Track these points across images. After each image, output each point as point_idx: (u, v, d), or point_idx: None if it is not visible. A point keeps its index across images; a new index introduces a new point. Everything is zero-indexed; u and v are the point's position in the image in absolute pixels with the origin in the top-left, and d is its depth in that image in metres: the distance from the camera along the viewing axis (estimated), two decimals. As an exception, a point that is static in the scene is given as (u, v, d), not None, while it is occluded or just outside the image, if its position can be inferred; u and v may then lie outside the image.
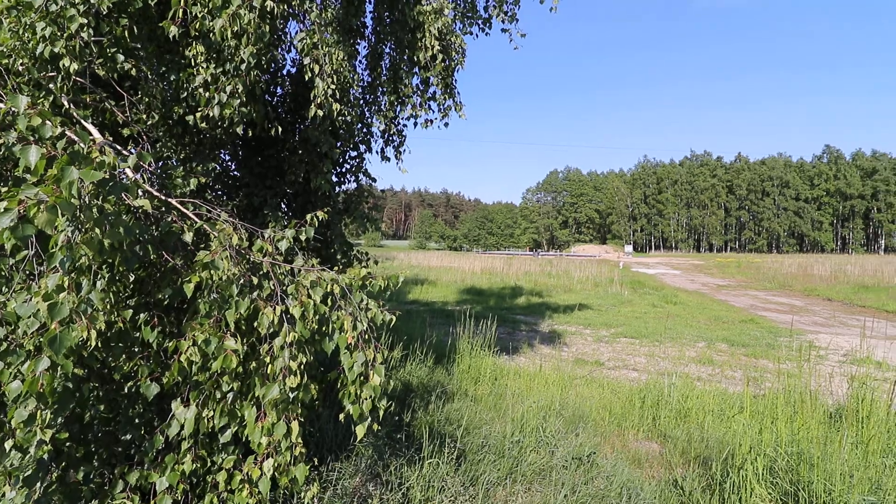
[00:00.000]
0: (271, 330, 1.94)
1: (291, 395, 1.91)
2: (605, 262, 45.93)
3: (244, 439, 1.98)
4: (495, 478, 3.11)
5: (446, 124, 4.14)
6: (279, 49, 3.85)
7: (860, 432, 3.57)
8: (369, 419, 2.00)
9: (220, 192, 4.19)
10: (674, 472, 3.31)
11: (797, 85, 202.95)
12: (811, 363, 7.35)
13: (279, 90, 4.31)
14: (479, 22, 4.78)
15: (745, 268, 34.17)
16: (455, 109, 4.07)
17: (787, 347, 8.47)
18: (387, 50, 4.49)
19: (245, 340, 2.01)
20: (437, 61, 3.63)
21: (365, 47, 4.57)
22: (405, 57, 4.22)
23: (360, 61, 4.52)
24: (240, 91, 2.73)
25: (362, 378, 2.00)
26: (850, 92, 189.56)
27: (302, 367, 1.94)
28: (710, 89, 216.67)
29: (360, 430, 1.98)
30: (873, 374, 6.66)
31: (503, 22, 4.61)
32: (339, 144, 4.06)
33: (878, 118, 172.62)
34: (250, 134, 3.51)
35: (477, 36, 4.87)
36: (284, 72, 4.34)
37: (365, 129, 4.38)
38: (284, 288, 2.05)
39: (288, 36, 3.90)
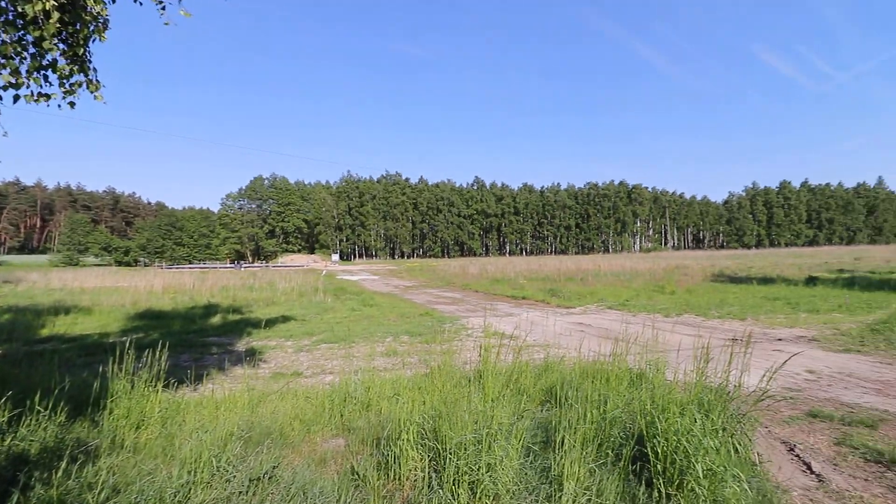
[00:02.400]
0: None
1: None
2: (313, 271, 46.66)
3: None
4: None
5: (72, 104, 3.18)
6: None
7: (483, 385, 4.87)
8: None
9: None
10: (353, 460, 3.61)
11: (457, 123, 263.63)
12: (462, 341, 9.61)
13: None
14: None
15: (426, 270, 41.50)
16: (89, 88, 3.20)
17: (449, 331, 10.76)
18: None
19: None
20: (52, 19, 2.75)
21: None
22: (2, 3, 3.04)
23: None
24: None
25: None
26: (501, 134, 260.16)
27: None
28: (401, 114, 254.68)
29: None
30: (495, 342, 9.30)
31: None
32: None
33: (486, 158, 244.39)
34: None
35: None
36: None
37: None
38: None
39: None
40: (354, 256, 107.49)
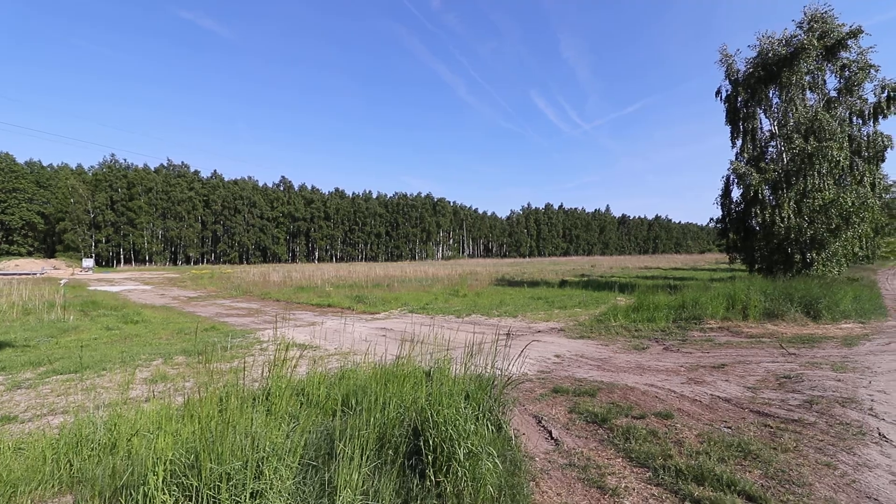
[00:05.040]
0: None
1: None
2: (50, 280, 36.00)
3: None
4: None
5: None
6: None
7: (273, 404, 4.46)
8: None
9: None
10: (79, 523, 2.83)
11: (263, 121, 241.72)
12: (254, 356, 8.72)
13: None
14: None
15: (217, 278, 36.55)
16: None
17: (239, 346, 9.64)
18: None
19: None
20: None
21: None
22: None
23: None
24: None
25: None
26: (310, 136, 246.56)
27: None
28: (189, 100, 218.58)
29: None
30: (293, 354, 8.74)
31: None
32: None
33: (318, 160, 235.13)
34: None
35: None
36: None
37: None
38: None
39: None
40: (118, 262, 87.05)
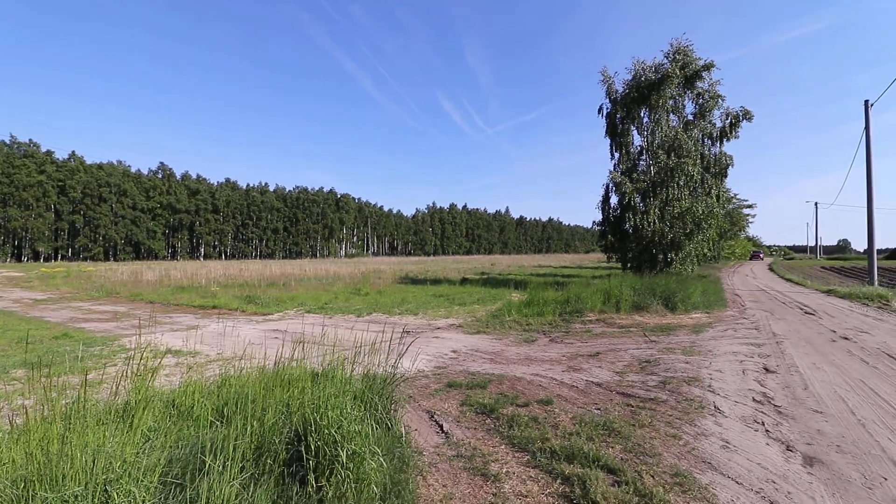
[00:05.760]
0: None
1: None
2: None
3: None
4: None
5: None
6: None
7: (135, 418, 3.93)
8: None
9: None
10: None
11: (135, 99, 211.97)
12: (117, 366, 7.63)
13: None
14: None
15: (74, 278, 31.39)
16: None
17: (98, 356, 8.38)
18: None
19: None
20: None
21: None
22: None
23: None
24: None
25: None
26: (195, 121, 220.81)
27: None
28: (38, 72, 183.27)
29: None
30: (168, 362, 7.83)
31: None
32: None
33: (205, 147, 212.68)
34: None
35: None
36: None
37: None
38: None
39: None
40: (-63, 258, 70.36)
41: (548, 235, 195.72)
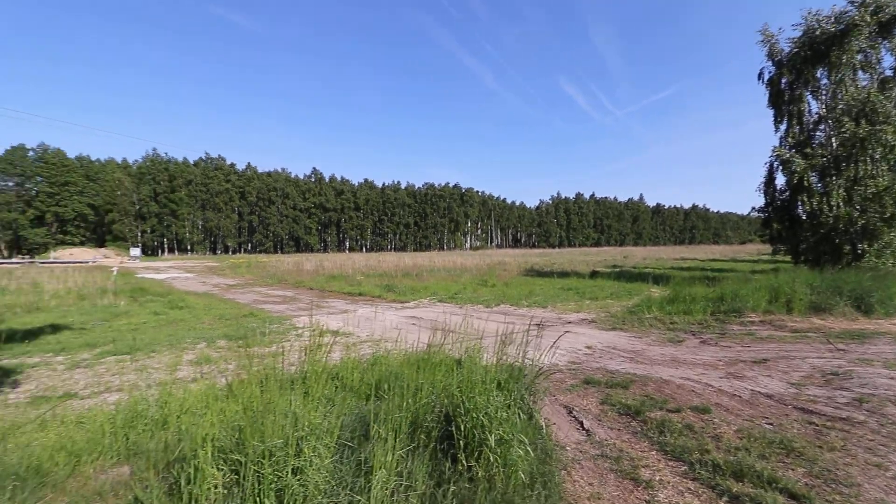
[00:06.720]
0: None
1: None
2: (102, 268, 38.21)
3: None
4: None
5: None
6: None
7: (309, 387, 4.63)
8: None
9: None
10: (137, 489, 3.04)
11: (294, 113, 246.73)
12: (290, 342, 9.03)
13: None
14: None
15: (254, 267, 37.87)
16: None
17: (276, 332, 10.01)
18: None
19: None
20: None
21: None
22: None
23: None
24: None
25: None
26: (334, 126, 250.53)
27: None
28: (223, 92, 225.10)
29: None
30: (326, 341, 9.00)
31: None
32: None
33: (335, 152, 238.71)
34: None
35: None
36: None
37: None
38: None
39: None
40: (162, 251, 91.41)
41: (691, 224, 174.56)
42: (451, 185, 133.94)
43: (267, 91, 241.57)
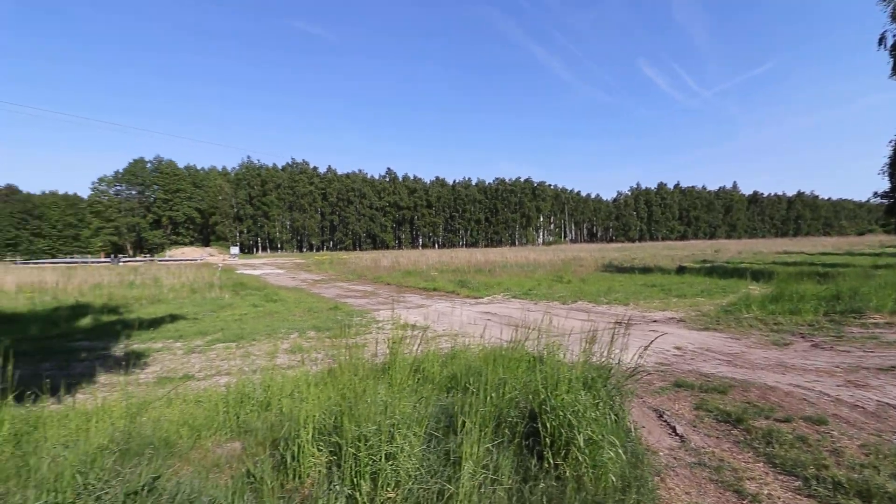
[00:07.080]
0: None
1: None
2: (208, 265, 42.82)
3: None
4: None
5: None
6: None
7: (391, 376, 4.86)
8: None
9: None
10: (249, 463, 3.39)
11: (367, 120, 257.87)
12: (372, 334, 9.50)
13: None
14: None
15: (336, 264, 40.22)
16: None
17: (359, 325, 10.57)
18: None
19: None
20: None
21: None
22: None
23: None
24: None
25: None
26: (414, 127, 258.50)
27: None
28: (304, 100, 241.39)
29: None
30: (406, 334, 9.34)
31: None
32: None
33: (426, 153, 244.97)
34: None
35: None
36: None
37: None
38: None
39: None
40: (257, 249, 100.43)
41: (795, 214, 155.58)
42: (522, 179, 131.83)
43: (343, 94, 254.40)
